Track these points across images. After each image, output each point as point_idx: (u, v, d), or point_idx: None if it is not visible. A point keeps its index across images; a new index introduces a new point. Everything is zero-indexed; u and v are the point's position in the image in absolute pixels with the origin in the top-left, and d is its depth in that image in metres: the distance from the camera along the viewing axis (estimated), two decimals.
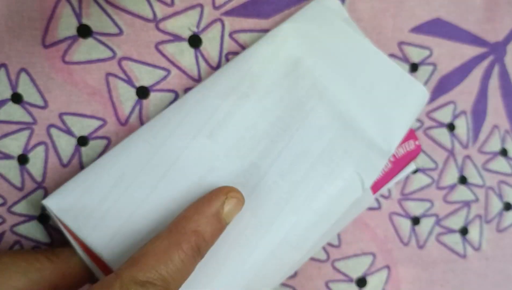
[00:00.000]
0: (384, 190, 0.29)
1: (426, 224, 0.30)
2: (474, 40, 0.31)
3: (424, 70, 0.30)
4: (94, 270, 0.24)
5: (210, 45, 0.27)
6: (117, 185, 0.24)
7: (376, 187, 0.27)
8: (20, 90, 0.26)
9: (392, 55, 0.29)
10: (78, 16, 0.26)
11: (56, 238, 0.26)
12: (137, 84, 0.27)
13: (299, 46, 0.27)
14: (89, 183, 0.24)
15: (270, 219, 0.24)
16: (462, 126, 0.31)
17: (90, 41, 0.26)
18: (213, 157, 0.25)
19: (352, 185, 0.25)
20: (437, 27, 0.30)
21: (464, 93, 0.31)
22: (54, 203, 0.24)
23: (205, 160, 0.25)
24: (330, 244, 0.29)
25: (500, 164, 0.31)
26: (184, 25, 0.27)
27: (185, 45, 0.27)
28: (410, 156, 0.28)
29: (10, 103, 0.26)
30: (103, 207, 0.23)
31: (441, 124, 0.30)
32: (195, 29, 0.27)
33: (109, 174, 0.24)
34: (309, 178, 0.25)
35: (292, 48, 0.27)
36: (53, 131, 0.26)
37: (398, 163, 0.28)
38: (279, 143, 0.25)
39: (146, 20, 0.27)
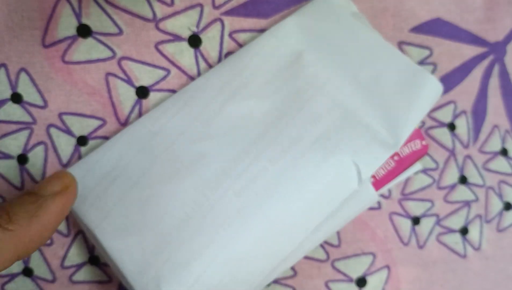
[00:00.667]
0: (384, 190, 0.29)
1: (426, 224, 0.30)
2: (474, 40, 0.31)
3: None
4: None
5: (210, 45, 0.27)
6: (115, 167, 0.25)
7: (378, 185, 0.27)
8: (20, 90, 0.26)
9: None
10: (78, 16, 0.26)
11: (55, 238, 0.26)
12: (137, 84, 0.27)
13: (302, 40, 0.26)
14: (90, 165, 0.25)
15: (256, 203, 0.24)
16: (463, 126, 0.31)
17: (90, 41, 0.26)
18: (205, 143, 0.25)
19: (347, 175, 0.24)
20: (437, 27, 0.30)
21: (464, 93, 0.31)
22: None
23: (197, 146, 0.25)
24: (330, 244, 0.29)
25: (500, 164, 0.31)
26: (184, 25, 0.27)
27: (185, 45, 0.27)
28: (416, 156, 0.28)
29: (10, 103, 0.26)
30: (100, 188, 0.24)
31: (441, 124, 0.30)
32: (195, 29, 0.27)
33: (109, 157, 0.25)
34: (300, 164, 0.24)
35: (294, 42, 0.26)
36: (53, 131, 0.26)
37: (402, 163, 0.27)
38: (273, 130, 0.25)
39: (146, 20, 0.27)
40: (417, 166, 0.28)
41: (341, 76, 0.26)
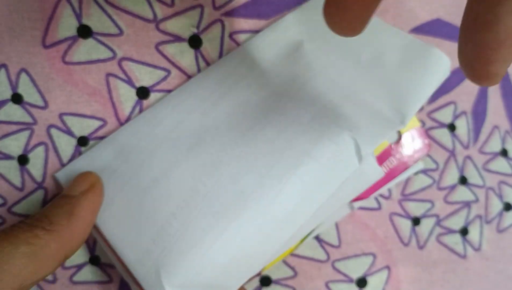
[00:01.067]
0: (385, 189, 0.29)
1: (426, 225, 0.30)
2: None
3: None
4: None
5: (210, 46, 0.27)
6: (117, 158, 0.25)
7: (380, 183, 0.27)
8: (20, 90, 0.26)
9: None
10: (78, 16, 0.26)
11: None
12: (137, 85, 0.27)
13: (301, 31, 0.27)
14: (93, 157, 0.25)
15: (252, 187, 0.23)
16: (463, 127, 0.31)
17: (90, 41, 0.26)
18: (203, 130, 0.25)
19: (346, 151, 0.23)
20: (437, 28, 0.30)
21: (464, 94, 0.31)
22: (62, 176, 0.25)
23: (195, 133, 0.25)
24: (330, 244, 0.29)
25: (500, 164, 0.31)
26: (184, 25, 0.27)
27: (185, 45, 0.27)
28: (418, 155, 0.27)
29: (10, 104, 0.26)
30: (102, 179, 0.24)
31: (442, 125, 0.30)
32: (195, 30, 0.27)
33: (110, 150, 0.25)
34: (296, 143, 0.23)
35: (293, 34, 0.27)
36: (53, 131, 0.26)
37: (404, 161, 0.27)
38: (270, 113, 0.24)
39: (146, 20, 0.27)
40: (419, 165, 0.28)
41: (342, 60, 0.25)
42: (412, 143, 0.27)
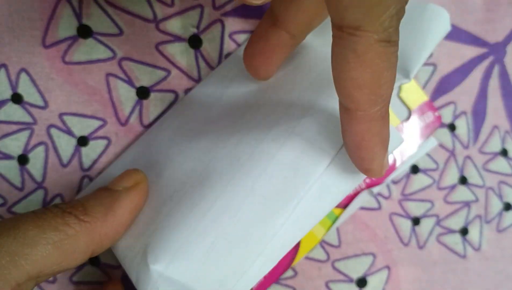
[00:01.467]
0: (404, 168, 0.27)
1: (426, 225, 0.30)
2: (474, 40, 0.31)
3: (424, 70, 0.30)
4: None
5: (210, 46, 0.27)
6: (125, 167, 0.25)
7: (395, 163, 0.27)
8: (20, 90, 0.26)
9: None
10: (78, 16, 0.26)
11: None
12: (137, 85, 0.27)
13: None
14: (106, 179, 0.25)
15: (248, 152, 0.21)
16: (463, 127, 0.31)
17: (90, 41, 0.26)
18: (206, 125, 0.25)
19: None
20: None
21: (464, 94, 0.31)
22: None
23: (198, 128, 0.25)
24: (330, 244, 0.29)
25: (500, 164, 0.31)
26: (184, 25, 0.27)
27: (185, 45, 0.27)
28: (430, 129, 0.27)
29: (10, 104, 0.26)
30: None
31: (442, 125, 0.30)
32: (195, 30, 0.27)
33: (122, 164, 0.26)
34: (294, 109, 0.22)
35: None
36: (53, 131, 0.26)
37: (416, 137, 0.27)
38: (270, 91, 0.24)
39: (146, 20, 0.27)
40: (432, 141, 0.28)
41: None
42: (422, 118, 0.27)
